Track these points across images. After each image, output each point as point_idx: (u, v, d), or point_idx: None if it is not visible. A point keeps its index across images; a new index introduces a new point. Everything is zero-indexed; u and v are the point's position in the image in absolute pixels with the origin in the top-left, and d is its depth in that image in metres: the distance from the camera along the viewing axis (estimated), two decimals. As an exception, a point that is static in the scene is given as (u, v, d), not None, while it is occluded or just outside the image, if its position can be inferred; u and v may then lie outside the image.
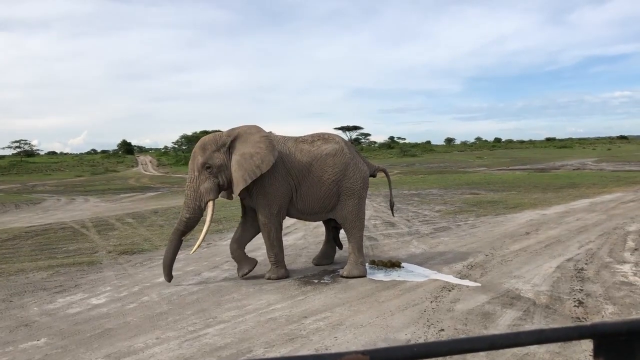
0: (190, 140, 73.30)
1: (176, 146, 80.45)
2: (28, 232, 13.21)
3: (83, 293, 7.37)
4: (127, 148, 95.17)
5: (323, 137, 7.97)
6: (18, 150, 72.66)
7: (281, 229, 7.88)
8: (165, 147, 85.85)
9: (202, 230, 7.66)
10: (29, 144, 73.83)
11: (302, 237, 11.71)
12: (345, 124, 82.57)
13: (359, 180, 7.87)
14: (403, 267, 8.32)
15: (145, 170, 55.29)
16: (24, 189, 32.82)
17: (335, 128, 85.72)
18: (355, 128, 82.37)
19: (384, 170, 8.77)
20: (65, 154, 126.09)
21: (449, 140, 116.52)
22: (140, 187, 33.06)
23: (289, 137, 8.09)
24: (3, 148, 73.56)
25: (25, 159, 65.31)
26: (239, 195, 7.63)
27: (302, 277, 7.94)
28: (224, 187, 7.62)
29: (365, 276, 7.74)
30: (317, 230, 12.59)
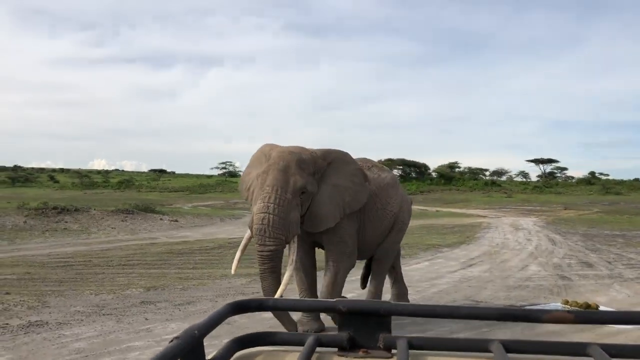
0: (376, 168, 74.68)
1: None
2: (230, 242, 14.63)
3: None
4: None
5: (374, 165, 7.20)
6: (224, 170, 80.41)
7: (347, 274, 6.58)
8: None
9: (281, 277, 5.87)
10: (233, 165, 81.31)
11: (488, 270, 11.31)
12: (538, 157, 77.70)
13: (409, 213, 7.55)
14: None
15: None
16: (227, 205, 36.23)
17: (528, 160, 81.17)
18: (550, 161, 77.07)
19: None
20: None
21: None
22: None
23: None
24: (212, 168, 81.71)
25: (229, 178, 72.07)
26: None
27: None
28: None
29: None
30: (504, 264, 12.07)
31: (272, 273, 5.56)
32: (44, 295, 8.01)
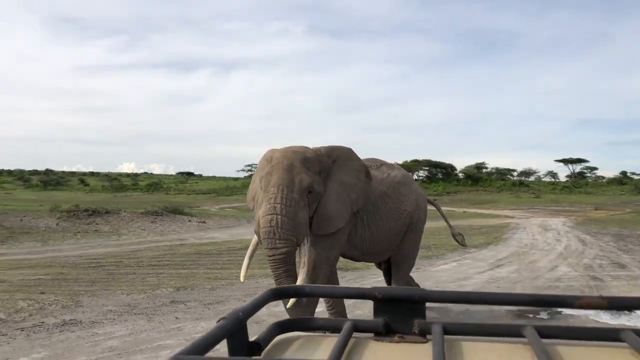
0: (402, 169, 74.29)
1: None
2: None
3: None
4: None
5: (383, 163, 6.89)
6: (249, 173, 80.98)
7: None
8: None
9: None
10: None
11: (516, 270, 11.19)
12: (567, 156, 76.40)
13: (425, 212, 7.08)
14: (636, 312, 7.48)
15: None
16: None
17: (556, 160, 79.90)
18: (580, 161, 75.77)
19: (431, 202, 7.78)
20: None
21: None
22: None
23: None
24: (237, 171, 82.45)
25: (256, 180, 72.40)
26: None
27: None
28: None
29: None
30: (533, 265, 11.93)
31: (288, 277, 5.15)
32: (77, 295, 8.20)
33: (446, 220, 8.09)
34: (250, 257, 5.67)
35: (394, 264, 6.96)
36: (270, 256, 5.13)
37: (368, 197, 5.98)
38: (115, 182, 67.10)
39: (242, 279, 5.70)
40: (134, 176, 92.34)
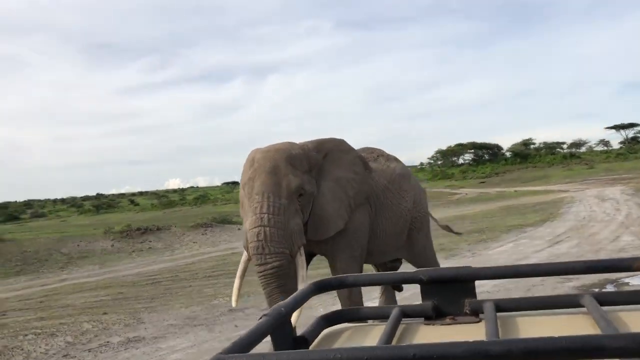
0: (445, 155, 73.49)
1: (432, 161, 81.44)
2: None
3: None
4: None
5: (380, 154, 6.17)
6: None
7: None
8: (421, 164, 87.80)
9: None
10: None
11: (577, 245, 10.81)
12: (618, 122, 73.71)
13: (426, 208, 6.40)
14: None
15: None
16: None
17: (607, 127, 77.12)
18: (632, 125, 72.94)
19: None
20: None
21: None
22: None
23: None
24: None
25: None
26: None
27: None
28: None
29: None
30: (593, 237, 11.51)
31: (282, 293, 4.46)
32: (138, 312, 8.34)
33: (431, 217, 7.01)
34: (242, 277, 4.99)
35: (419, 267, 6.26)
36: (260, 272, 4.56)
37: (370, 190, 5.40)
38: (164, 199, 68.56)
39: (234, 304, 5.06)
40: (181, 191, 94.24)
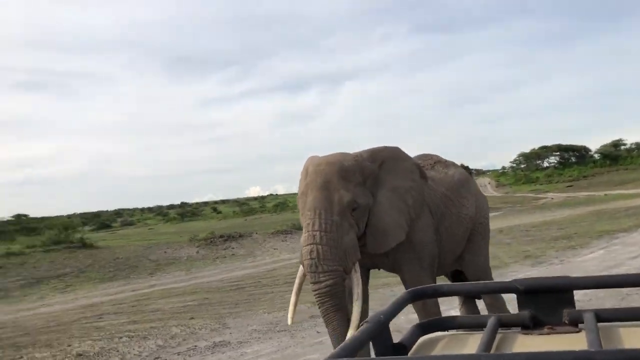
0: (528, 158, 70.94)
1: (514, 165, 78.83)
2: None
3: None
4: (465, 172, 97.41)
5: (438, 161, 5.92)
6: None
7: None
8: (503, 167, 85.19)
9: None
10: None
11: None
12: None
13: (487, 214, 6.05)
14: None
15: (485, 192, 55.68)
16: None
17: None
18: None
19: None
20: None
21: None
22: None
23: None
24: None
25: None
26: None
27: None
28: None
29: None
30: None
31: (337, 312, 4.52)
32: (223, 318, 8.60)
33: None
34: (298, 293, 4.86)
35: (473, 279, 5.84)
36: (314, 290, 4.53)
37: (429, 199, 5.20)
38: (245, 207, 70.41)
39: (289, 321, 4.91)
40: (261, 199, 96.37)
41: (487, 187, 62.12)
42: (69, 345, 7.78)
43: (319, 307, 4.56)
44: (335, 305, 4.47)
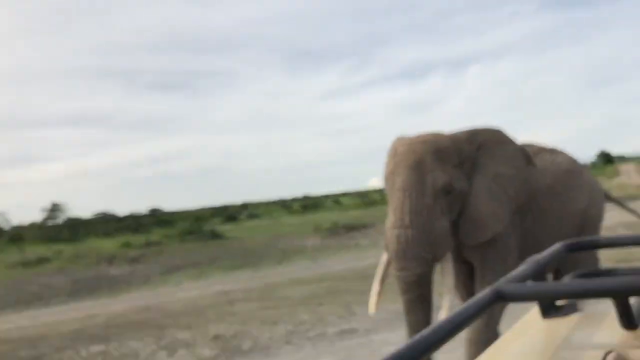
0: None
1: (659, 150, 71.85)
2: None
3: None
4: (606, 158, 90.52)
5: (542, 149, 5.14)
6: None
7: None
8: (647, 153, 77.94)
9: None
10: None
11: None
12: None
13: (602, 208, 5.21)
14: None
15: (629, 180, 51.22)
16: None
17: None
18: None
19: (610, 197, 5.69)
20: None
21: None
22: (626, 197, 30.88)
23: None
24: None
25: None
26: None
27: None
28: None
29: None
30: None
31: (421, 303, 4.13)
32: (349, 305, 8.67)
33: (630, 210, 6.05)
34: (382, 281, 4.45)
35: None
36: (400, 279, 4.16)
37: (533, 190, 4.66)
38: (365, 198, 70.74)
39: (371, 311, 4.56)
40: (381, 191, 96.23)
41: (630, 175, 57.20)
42: (206, 328, 8.26)
43: (402, 296, 4.18)
44: (420, 296, 4.12)
